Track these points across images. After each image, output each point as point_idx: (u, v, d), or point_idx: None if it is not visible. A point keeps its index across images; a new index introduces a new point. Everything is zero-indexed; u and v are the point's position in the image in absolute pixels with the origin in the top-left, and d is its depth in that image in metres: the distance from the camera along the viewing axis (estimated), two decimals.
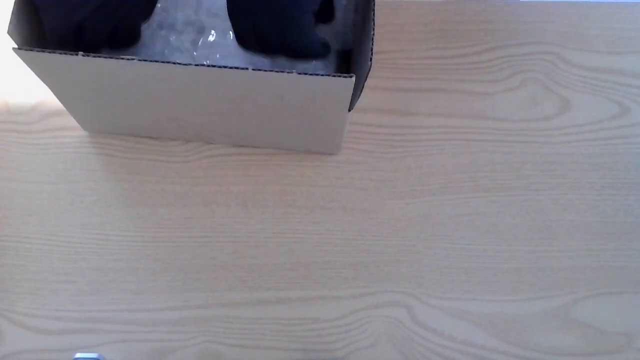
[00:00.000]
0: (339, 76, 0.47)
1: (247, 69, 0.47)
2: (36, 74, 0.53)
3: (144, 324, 0.61)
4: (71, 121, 0.66)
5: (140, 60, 0.47)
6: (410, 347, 0.61)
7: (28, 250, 0.64)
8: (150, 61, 0.48)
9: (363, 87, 0.50)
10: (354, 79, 0.47)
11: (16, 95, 0.69)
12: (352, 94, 0.51)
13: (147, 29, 0.62)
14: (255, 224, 0.65)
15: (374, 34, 0.49)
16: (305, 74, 0.47)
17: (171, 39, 0.62)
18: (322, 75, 0.47)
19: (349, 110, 0.54)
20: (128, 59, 0.47)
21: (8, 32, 0.48)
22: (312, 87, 0.50)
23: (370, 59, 0.48)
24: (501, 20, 0.73)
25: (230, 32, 0.62)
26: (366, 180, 0.66)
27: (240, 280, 0.63)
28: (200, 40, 0.62)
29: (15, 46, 0.48)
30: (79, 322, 0.61)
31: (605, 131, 0.69)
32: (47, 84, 0.56)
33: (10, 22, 0.48)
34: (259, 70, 0.47)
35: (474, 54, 0.71)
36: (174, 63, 0.48)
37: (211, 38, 0.62)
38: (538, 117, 0.69)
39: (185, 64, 0.47)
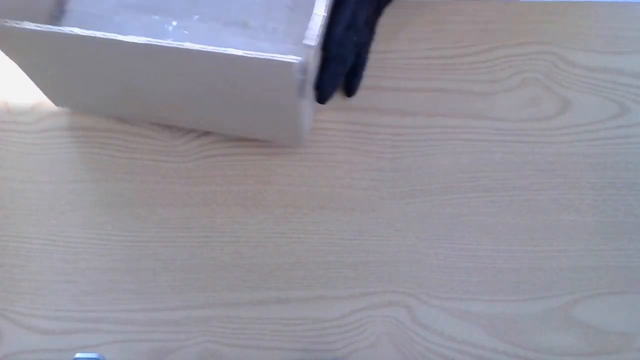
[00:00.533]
0: (278, 59, 0.45)
1: (182, 46, 0.47)
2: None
3: (144, 324, 0.61)
4: (71, 121, 0.66)
5: (86, 34, 0.48)
6: (410, 347, 0.61)
7: (28, 250, 0.64)
8: (93, 35, 0.48)
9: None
10: (297, 63, 0.45)
11: (16, 95, 0.69)
12: (302, 80, 0.49)
13: (119, 12, 0.62)
14: (255, 224, 0.65)
15: (326, 16, 0.48)
16: (243, 54, 0.46)
17: (143, 21, 0.62)
18: (260, 56, 0.45)
19: (303, 98, 0.52)
20: (71, 33, 0.48)
21: None
22: (253, 70, 0.48)
23: (323, 44, 0.46)
24: (501, 20, 0.73)
25: (196, 16, 0.62)
26: (366, 180, 0.66)
27: (240, 280, 0.63)
28: (169, 25, 0.62)
29: None
30: (79, 322, 0.61)
31: (605, 131, 0.69)
32: (11, 59, 0.57)
33: None
34: (193, 47, 0.47)
35: (474, 54, 0.71)
36: (114, 39, 0.48)
37: (176, 22, 0.62)
38: (538, 117, 0.69)
39: (119, 38, 0.48)
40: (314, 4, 0.61)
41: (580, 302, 0.63)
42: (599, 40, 0.72)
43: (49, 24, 0.54)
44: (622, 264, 0.64)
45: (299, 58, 0.45)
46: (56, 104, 0.67)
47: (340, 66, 0.60)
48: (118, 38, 0.48)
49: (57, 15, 0.63)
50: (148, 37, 0.52)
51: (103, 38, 0.49)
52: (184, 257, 0.63)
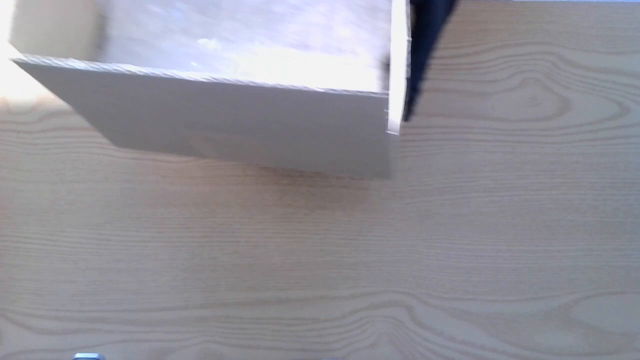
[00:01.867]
0: (369, 94, 0.39)
1: (264, 84, 0.41)
2: (45, 86, 0.48)
3: (144, 324, 0.61)
4: (71, 121, 0.66)
5: (145, 73, 0.41)
6: (410, 347, 0.61)
7: (28, 250, 0.64)
8: (153, 75, 0.41)
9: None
10: (389, 97, 0.40)
11: (16, 95, 0.69)
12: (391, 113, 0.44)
13: (165, 36, 0.59)
14: (255, 224, 0.65)
15: (409, 41, 0.41)
16: (330, 90, 0.40)
17: (192, 46, 0.58)
18: (349, 92, 0.40)
19: (393, 131, 0.47)
20: (128, 72, 0.41)
21: (9, 41, 0.42)
22: (340, 106, 0.43)
23: (410, 74, 0.41)
24: (501, 20, 0.73)
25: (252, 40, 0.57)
26: (366, 180, 0.66)
27: (240, 280, 0.63)
28: (221, 47, 0.59)
29: (15, 57, 0.42)
30: (79, 322, 0.61)
31: (605, 131, 0.69)
32: (60, 97, 0.51)
33: (11, 29, 0.42)
34: (277, 85, 0.40)
35: (474, 54, 0.71)
36: (176, 77, 0.41)
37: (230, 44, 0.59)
38: (538, 117, 0.69)
39: (183, 77, 0.41)
40: (377, 20, 0.53)
41: (580, 302, 0.63)
42: (599, 40, 0.72)
43: (94, 57, 0.49)
44: (622, 264, 0.64)
45: (388, 92, 0.39)
46: (117, 145, 0.61)
47: (419, 95, 0.56)
48: (182, 77, 0.41)
49: (100, 44, 0.57)
50: (199, 63, 0.46)
51: (165, 77, 0.41)
52: (184, 257, 0.63)
